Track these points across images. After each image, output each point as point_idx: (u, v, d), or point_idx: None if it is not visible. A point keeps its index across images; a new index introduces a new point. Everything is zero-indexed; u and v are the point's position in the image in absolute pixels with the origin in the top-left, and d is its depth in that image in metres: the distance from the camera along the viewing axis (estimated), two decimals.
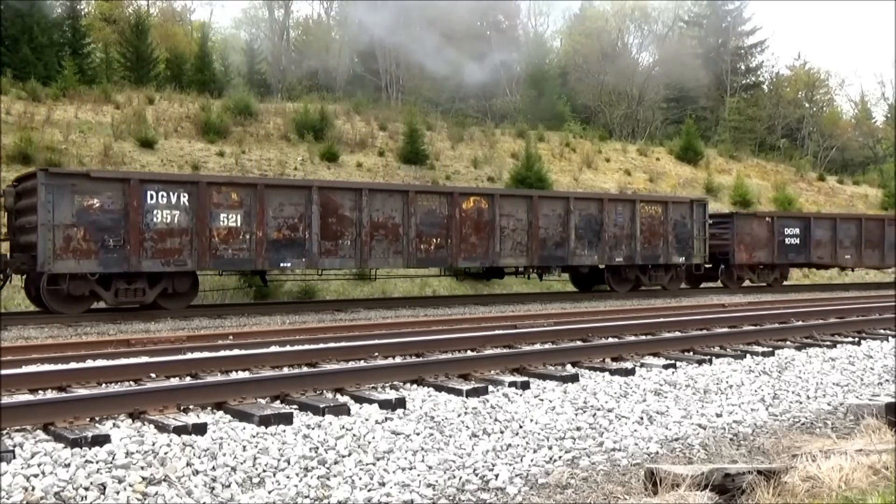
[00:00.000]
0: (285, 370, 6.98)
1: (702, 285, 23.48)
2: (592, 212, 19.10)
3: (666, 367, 7.48)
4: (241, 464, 4.43)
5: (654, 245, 20.14)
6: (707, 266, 22.23)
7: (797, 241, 23.53)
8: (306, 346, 8.27)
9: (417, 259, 16.53)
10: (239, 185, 14.93)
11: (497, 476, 4.58)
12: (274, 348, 8.34)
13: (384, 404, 5.66)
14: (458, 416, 5.56)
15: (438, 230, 16.75)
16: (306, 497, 4.18)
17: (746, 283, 23.31)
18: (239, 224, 14.64)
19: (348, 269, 17.29)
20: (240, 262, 14.82)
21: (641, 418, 5.85)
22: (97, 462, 4.26)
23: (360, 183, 18.77)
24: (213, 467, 4.35)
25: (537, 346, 8.54)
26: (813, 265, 24.90)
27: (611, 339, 9.33)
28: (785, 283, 24.30)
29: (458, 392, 6.14)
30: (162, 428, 4.86)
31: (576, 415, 5.81)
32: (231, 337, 10.15)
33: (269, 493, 4.19)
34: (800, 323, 10.91)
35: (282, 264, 15.21)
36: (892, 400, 5.99)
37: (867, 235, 24.76)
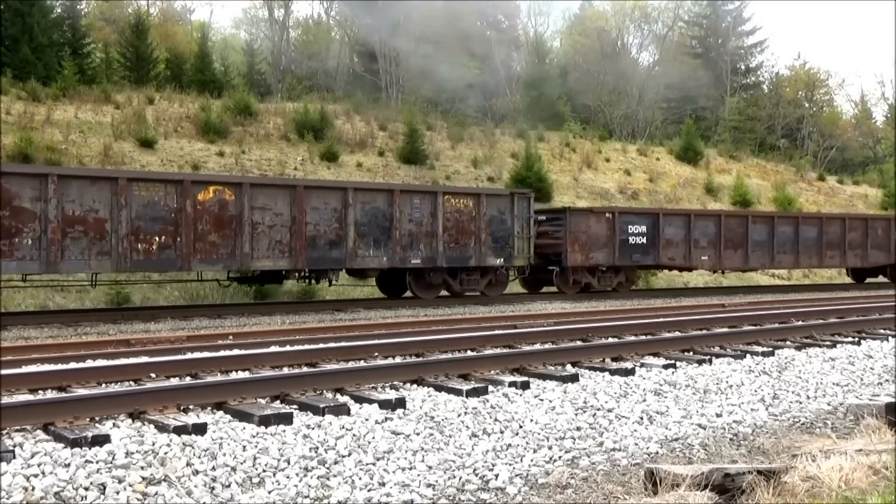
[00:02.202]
0: (285, 370, 6.98)
1: (544, 290, 20.95)
2: (379, 205, 16.57)
3: (666, 367, 7.48)
4: (241, 464, 4.44)
5: (462, 245, 17.64)
6: (550, 268, 20.21)
7: (643, 240, 20.98)
8: (306, 346, 8.27)
9: (133, 262, 14.03)
10: None
11: (497, 476, 4.58)
12: (274, 348, 8.34)
13: (384, 404, 5.66)
14: (458, 416, 5.56)
15: (163, 226, 14.24)
16: (306, 497, 4.18)
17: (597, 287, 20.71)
18: None
19: (31, 274, 14.07)
20: None
21: (641, 418, 5.85)
22: (97, 462, 4.26)
23: (45, 168, 15.58)
24: (213, 467, 4.35)
25: (537, 346, 8.54)
26: (663, 267, 22.51)
27: (611, 339, 9.33)
28: (633, 287, 21.87)
29: (458, 392, 6.14)
30: (162, 428, 4.87)
31: (576, 415, 5.82)
32: (231, 337, 10.15)
33: (269, 493, 4.19)
34: (800, 323, 10.92)
35: None
36: (892, 400, 6.00)
37: (728, 234, 22.45)
